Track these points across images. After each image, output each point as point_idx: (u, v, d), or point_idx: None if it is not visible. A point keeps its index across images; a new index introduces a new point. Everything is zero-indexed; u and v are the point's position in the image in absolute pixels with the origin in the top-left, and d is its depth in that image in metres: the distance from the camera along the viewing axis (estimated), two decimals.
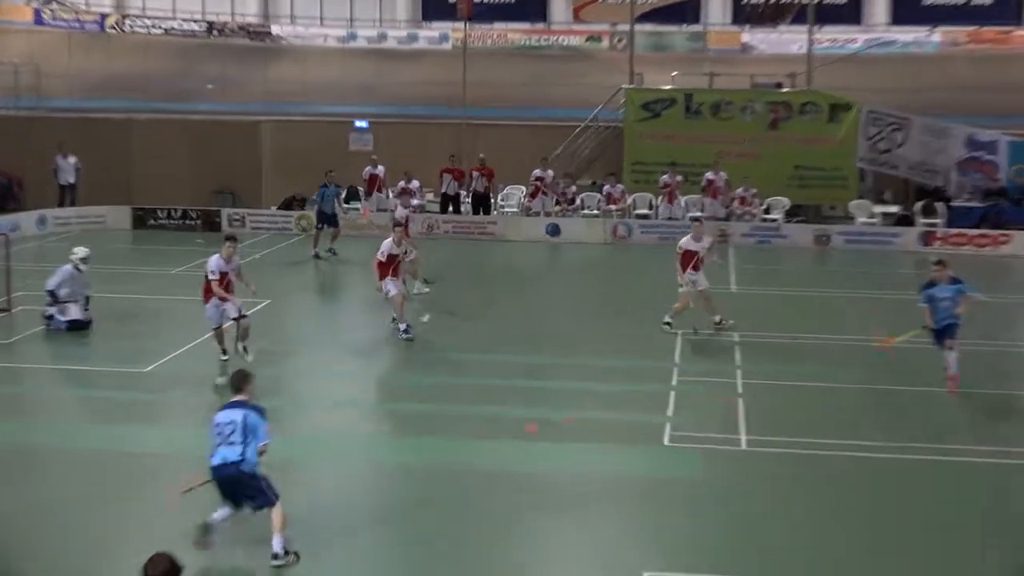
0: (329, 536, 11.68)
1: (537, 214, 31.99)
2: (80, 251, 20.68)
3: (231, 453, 10.94)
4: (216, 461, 10.99)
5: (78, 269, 20.34)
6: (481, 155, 32.07)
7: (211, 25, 55.67)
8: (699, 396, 16.48)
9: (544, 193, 32.02)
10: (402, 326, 19.29)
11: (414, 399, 16.48)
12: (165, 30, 54.95)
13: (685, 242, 20.17)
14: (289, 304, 22.42)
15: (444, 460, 14.01)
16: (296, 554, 11.02)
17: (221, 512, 11.16)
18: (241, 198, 33.90)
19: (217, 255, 17.71)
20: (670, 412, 15.74)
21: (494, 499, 12.81)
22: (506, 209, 32.91)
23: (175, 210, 32.32)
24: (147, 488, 12.97)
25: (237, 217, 32.09)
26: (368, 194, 31.98)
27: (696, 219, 21.57)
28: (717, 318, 20.17)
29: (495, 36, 54.28)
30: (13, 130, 34.75)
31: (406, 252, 20.46)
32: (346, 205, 31.00)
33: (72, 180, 32.62)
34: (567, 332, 20.45)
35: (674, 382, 17.18)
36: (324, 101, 40.94)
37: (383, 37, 56.09)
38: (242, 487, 11.03)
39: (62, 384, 17.57)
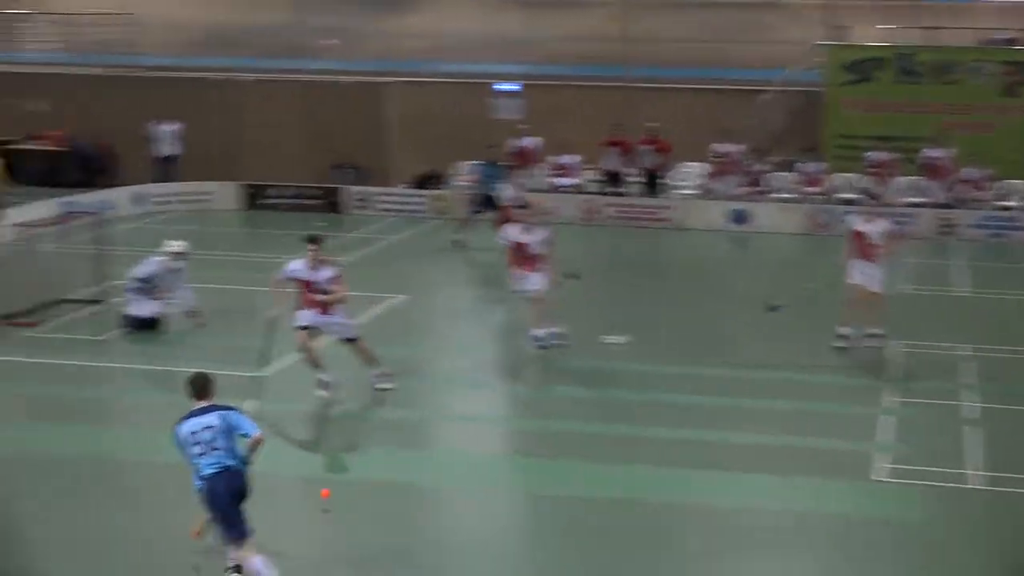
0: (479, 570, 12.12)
1: (718, 197, 32.05)
2: (176, 244, 21.34)
3: (224, 458, 11.24)
4: (211, 471, 11.16)
5: (174, 265, 21.02)
6: (651, 124, 32.21)
7: None
8: (916, 421, 16.52)
9: (729, 172, 32.06)
10: (539, 332, 19.34)
11: (571, 417, 16.89)
12: None
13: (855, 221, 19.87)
14: (428, 301, 22.96)
15: (609, 488, 14.33)
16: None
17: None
18: (365, 173, 34.60)
19: (302, 260, 17.23)
20: (879, 439, 15.83)
21: (670, 536, 13.12)
22: (681, 190, 33.01)
23: (289, 187, 33.24)
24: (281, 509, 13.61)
25: (361, 197, 32.86)
26: (517, 170, 32.41)
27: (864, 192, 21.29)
28: (873, 330, 19.79)
29: None
30: (104, 92, 36.11)
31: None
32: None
33: (171, 151, 33.77)
34: (754, 341, 20.59)
35: (884, 404, 17.24)
36: (460, 59, 41.50)
37: None
38: (244, 493, 11.33)
39: (161, 388, 18.34)
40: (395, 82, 36.45)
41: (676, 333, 21.13)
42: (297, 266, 17.12)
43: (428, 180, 33.88)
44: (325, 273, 17.04)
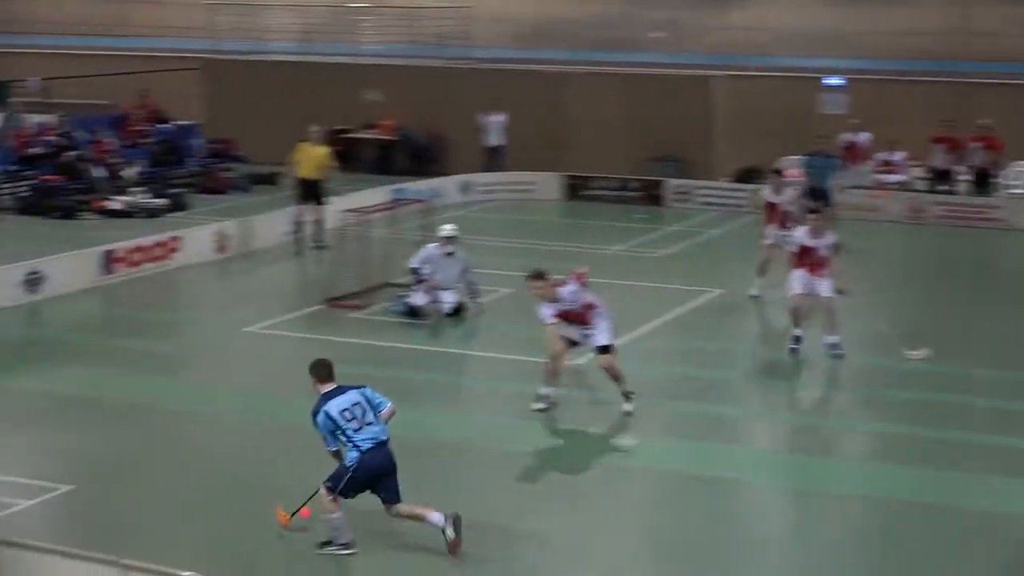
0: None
1: None
2: (446, 228, 21.41)
3: (380, 433, 12.06)
4: (369, 444, 11.92)
5: (445, 250, 21.07)
6: (982, 121, 31.18)
7: None
8: None
9: None
10: (832, 339, 18.72)
11: (900, 420, 16.50)
12: None
13: None
14: (744, 296, 22.75)
15: (954, 497, 14.00)
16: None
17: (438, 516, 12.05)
18: (689, 166, 34.60)
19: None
20: None
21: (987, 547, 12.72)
22: (1013, 190, 31.81)
23: (611, 179, 33.53)
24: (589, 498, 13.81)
25: (682, 190, 32.86)
26: (847, 166, 31.78)
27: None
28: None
29: None
30: (437, 83, 37.23)
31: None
32: None
33: (498, 142, 34.52)
34: None
35: None
36: (788, 53, 41.00)
37: None
38: (395, 463, 12.10)
39: (476, 373, 18.81)
40: (721, 75, 36.28)
41: (1010, 335, 20.34)
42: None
43: (750, 174, 33.60)
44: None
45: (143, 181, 31.24)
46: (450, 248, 21.03)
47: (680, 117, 34.95)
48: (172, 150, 33.93)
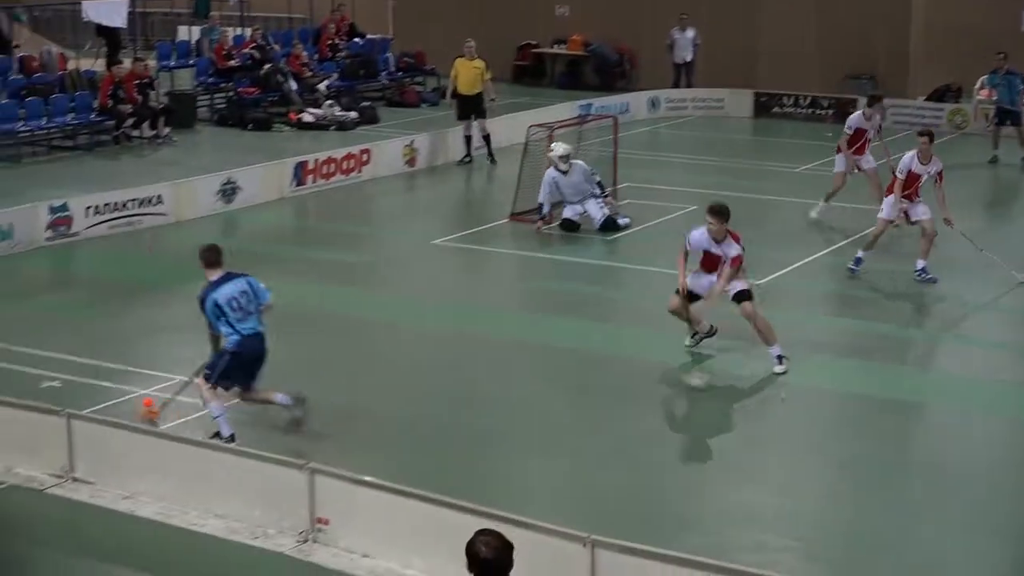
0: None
1: None
2: (559, 147, 21.22)
3: (257, 324, 12.52)
4: (248, 332, 12.35)
5: (560, 171, 20.92)
6: None
7: None
8: None
9: None
10: (922, 263, 18.22)
11: None
12: None
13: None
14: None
15: None
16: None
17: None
18: (883, 85, 33.78)
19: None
20: None
21: None
22: None
23: (803, 97, 32.95)
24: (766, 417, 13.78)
25: None
26: None
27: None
28: None
29: None
30: None
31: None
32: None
33: (689, 57, 34.12)
34: None
35: None
36: None
37: None
38: (265, 355, 12.60)
39: (662, 290, 18.83)
40: None
41: None
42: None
43: (946, 93, 32.69)
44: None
45: (335, 94, 31.71)
46: (564, 166, 20.95)
47: (877, 33, 34.07)
48: (364, 63, 34.31)
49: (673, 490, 12.04)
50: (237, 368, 12.41)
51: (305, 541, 10.53)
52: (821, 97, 32.87)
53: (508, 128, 27.45)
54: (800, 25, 34.63)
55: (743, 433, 13.54)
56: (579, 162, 21.42)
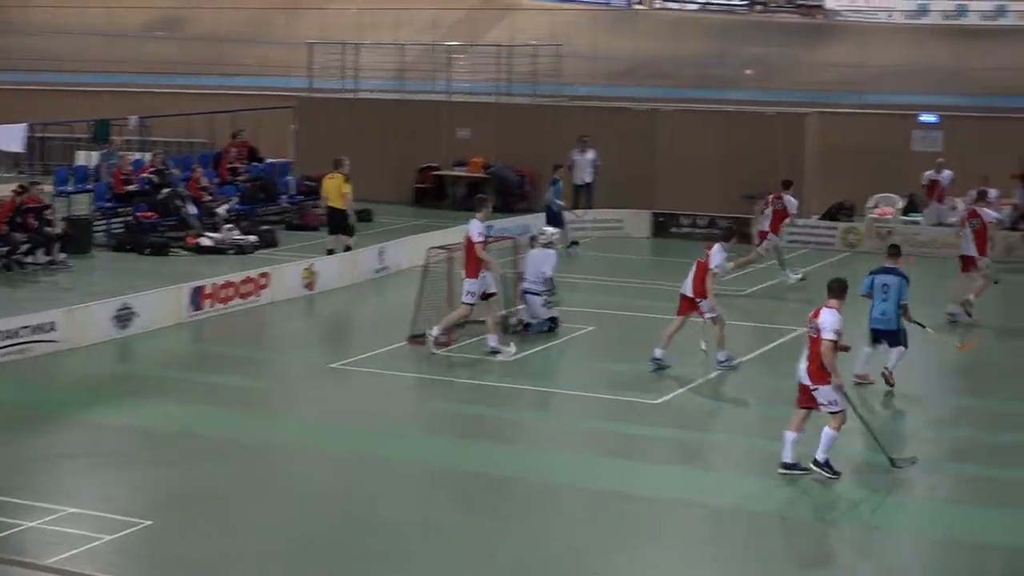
0: None
1: None
2: (548, 231, 23.39)
3: None
4: None
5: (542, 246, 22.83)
6: None
7: None
8: None
9: None
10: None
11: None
12: (701, 5, 56.80)
13: None
14: None
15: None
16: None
17: None
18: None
19: None
20: None
21: None
22: None
23: (701, 217, 33.39)
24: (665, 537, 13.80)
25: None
26: (926, 203, 31.43)
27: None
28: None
29: None
30: (529, 120, 37.38)
31: None
32: (904, 217, 30.82)
33: (589, 179, 34.47)
34: None
35: None
36: (884, 90, 40.82)
37: (963, 12, 54.87)
38: None
39: (561, 411, 18.84)
40: (814, 112, 36.10)
41: None
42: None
43: (839, 211, 33.37)
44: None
45: (235, 218, 31.67)
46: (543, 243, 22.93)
47: (771, 154, 34.69)
48: (264, 187, 34.34)
49: None
50: None
51: None
52: (719, 217, 33.30)
53: (408, 251, 27.58)
54: (698, 146, 35.21)
55: (647, 552, 13.51)
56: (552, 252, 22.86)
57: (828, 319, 14.94)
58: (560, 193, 30.90)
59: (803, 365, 15.15)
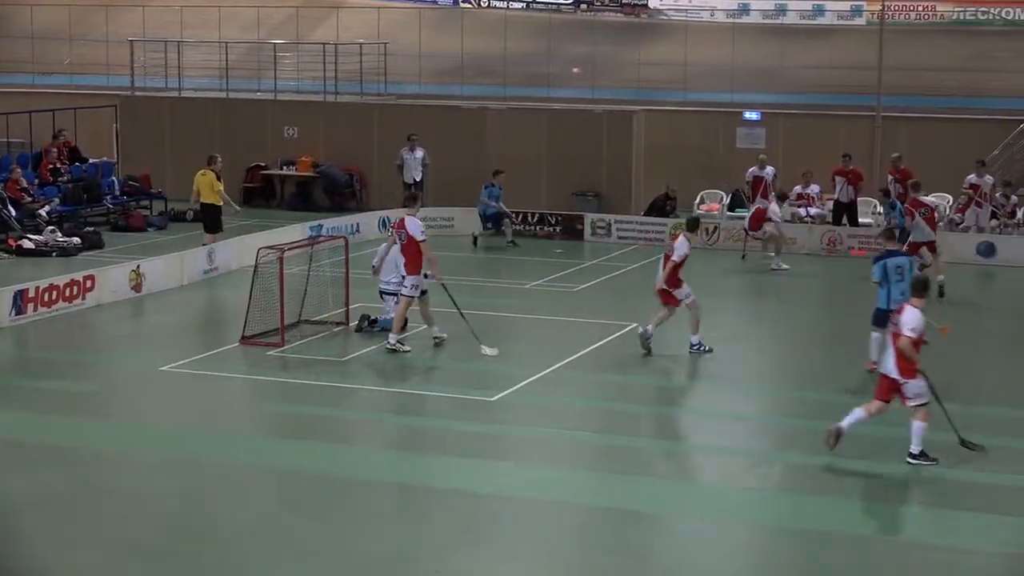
0: None
1: (967, 229, 31.21)
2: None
3: None
4: None
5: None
6: (895, 155, 31.64)
7: None
8: None
9: (979, 204, 31.20)
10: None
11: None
12: (527, 4, 57.13)
13: None
14: (662, 329, 22.89)
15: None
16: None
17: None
18: (607, 201, 34.80)
19: None
20: None
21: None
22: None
23: (532, 214, 33.60)
24: (502, 534, 13.82)
25: (602, 224, 32.95)
26: (751, 200, 32.06)
27: None
28: None
29: (920, 9, 53.27)
30: (357, 119, 37.26)
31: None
32: (730, 213, 31.46)
33: (418, 177, 34.48)
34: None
35: None
36: (708, 88, 41.52)
37: (782, 11, 56.09)
38: None
39: (398, 410, 18.80)
40: (641, 110, 36.57)
41: None
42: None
43: (665, 202, 33.87)
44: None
45: (57, 219, 30.95)
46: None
47: (599, 152, 35.14)
48: (87, 188, 33.65)
49: None
50: None
51: None
52: (549, 214, 33.57)
53: (238, 251, 27.25)
54: (527, 144, 35.43)
55: (483, 550, 13.54)
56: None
57: (909, 317, 15.49)
58: (495, 196, 31.63)
59: (891, 361, 15.60)
